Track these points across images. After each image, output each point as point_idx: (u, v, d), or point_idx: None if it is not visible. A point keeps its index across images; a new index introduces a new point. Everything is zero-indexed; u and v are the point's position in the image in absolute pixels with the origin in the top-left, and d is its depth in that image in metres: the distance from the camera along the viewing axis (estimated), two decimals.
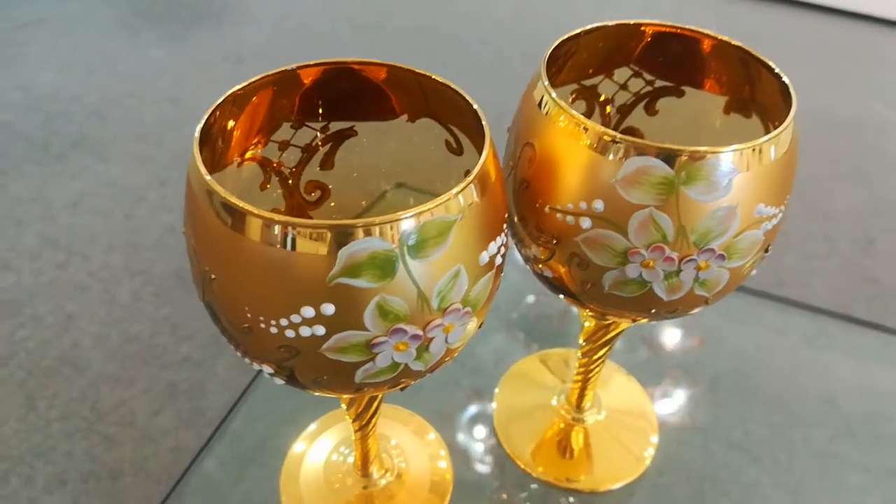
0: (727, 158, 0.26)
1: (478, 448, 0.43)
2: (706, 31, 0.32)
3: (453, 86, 0.28)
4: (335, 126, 0.32)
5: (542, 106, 0.29)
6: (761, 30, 1.61)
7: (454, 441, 0.43)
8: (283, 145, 0.32)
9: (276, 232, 0.23)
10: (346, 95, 0.31)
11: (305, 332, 0.24)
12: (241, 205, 0.23)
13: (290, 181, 0.33)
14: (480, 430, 0.44)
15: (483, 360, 0.48)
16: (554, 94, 0.28)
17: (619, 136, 0.27)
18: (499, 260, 0.27)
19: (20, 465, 0.72)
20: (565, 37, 0.31)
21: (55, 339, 1.10)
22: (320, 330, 0.24)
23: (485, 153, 0.26)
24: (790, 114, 0.28)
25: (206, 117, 0.26)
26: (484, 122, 0.27)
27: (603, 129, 0.27)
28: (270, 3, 1.55)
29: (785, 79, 0.30)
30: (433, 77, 0.29)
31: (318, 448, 0.42)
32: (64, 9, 1.70)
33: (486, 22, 1.42)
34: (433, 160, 0.32)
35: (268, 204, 0.33)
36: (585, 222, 0.28)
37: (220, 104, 0.27)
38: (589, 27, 0.32)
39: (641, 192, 0.27)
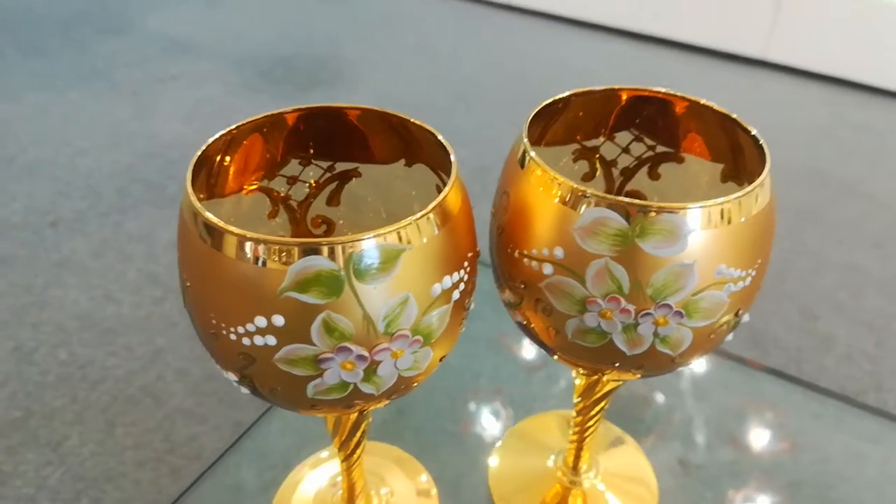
0: (681, 215, 0.27)
1: (467, 487, 0.43)
2: (691, 97, 0.33)
3: (427, 126, 0.30)
4: (341, 167, 0.35)
5: (520, 158, 0.31)
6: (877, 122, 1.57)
7: (448, 490, 0.44)
8: (291, 181, 0.35)
9: (235, 244, 0.25)
10: (341, 138, 0.33)
11: (259, 341, 0.27)
12: (205, 215, 0.26)
13: (298, 214, 0.36)
14: (476, 484, 0.44)
15: (525, 406, 0.49)
16: (531, 150, 0.30)
17: (578, 187, 0.28)
18: (456, 295, 0.29)
19: (92, 488, 0.76)
20: (551, 100, 0.33)
21: (142, 370, 1.17)
22: (272, 340, 0.26)
23: (445, 189, 0.28)
24: (759, 178, 0.28)
25: (201, 151, 0.29)
26: (452, 159, 0.29)
27: (567, 181, 0.28)
28: (379, 74, 1.64)
29: (762, 143, 0.30)
30: (411, 120, 0.31)
31: (315, 477, 0.43)
32: (196, 68, 1.86)
33: None
34: (427, 202, 0.34)
35: (276, 233, 0.36)
36: (547, 268, 0.29)
37: (215, 140, 0.30)
38: (573, 91, 0.33)
39: (597, 242, 0.28)
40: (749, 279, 0.29)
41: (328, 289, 0.25)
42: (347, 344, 0.27)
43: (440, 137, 0.30)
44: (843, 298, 1.32)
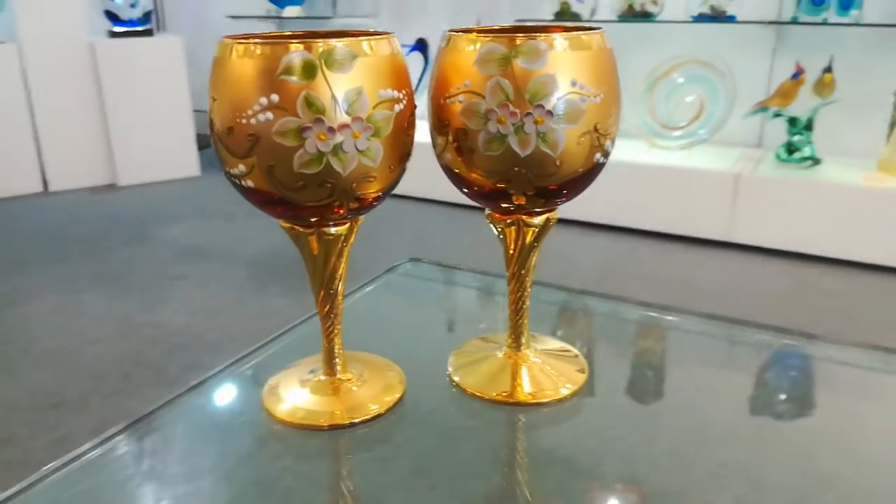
0: (542, 41, 0.41)
1: (429, 376, 0.52)
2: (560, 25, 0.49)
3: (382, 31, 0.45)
4: None
5: (441, 43, 0.45)
6: None
7: (410, 370, 0.53)
8: None
9: (248, 49, 0.39)
10: None
11: (262, 118, 0.39)
12: (228, 40, 0.40)
13: None
14: (435, 366, 0.53)
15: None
16: (447, 28, 0.45)
17: (475, 35, 0.42)
18: (398, 108, 0.42)
19: None
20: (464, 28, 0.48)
21: None
22: (270, 116, 0.39)
23: (382, 37, 0.42)
24: (594, 32, 0.43)
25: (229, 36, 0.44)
26: (391, 33, 0.44)
27: (466, 34, 0.43)
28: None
29: (590, 26, 0.45)
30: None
31: (297, 371, 0.52)
32: (206, 266, 2.03)
33: None
34: None
35: None
36: (461, 97, 0.43)
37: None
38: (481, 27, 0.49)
39: (489, 67, 0.42)
40: (599, 98, 0.43)
41: (307, 72, 0.39)
42: (321, 117, 0.39)
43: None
44: None
